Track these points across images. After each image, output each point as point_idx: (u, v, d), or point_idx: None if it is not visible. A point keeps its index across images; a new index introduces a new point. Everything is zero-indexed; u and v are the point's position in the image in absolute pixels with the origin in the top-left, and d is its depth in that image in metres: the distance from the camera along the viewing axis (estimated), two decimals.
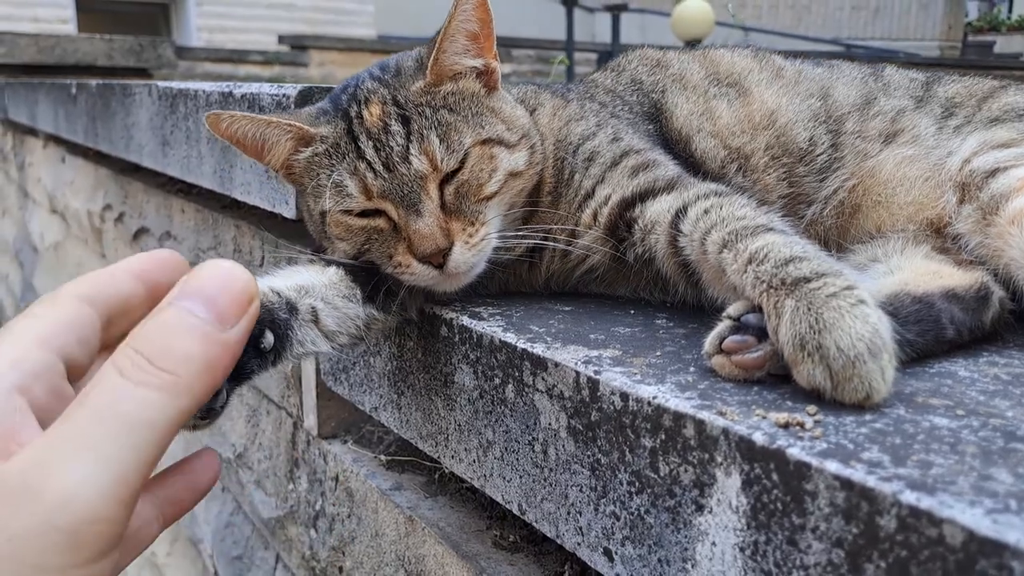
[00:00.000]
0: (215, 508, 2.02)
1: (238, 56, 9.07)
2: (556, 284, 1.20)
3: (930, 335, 0.92)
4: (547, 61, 9.55)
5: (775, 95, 1.25)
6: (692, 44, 8.70)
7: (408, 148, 1.04)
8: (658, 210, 1.06)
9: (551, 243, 1.12)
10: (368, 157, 1.06)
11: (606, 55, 9.47)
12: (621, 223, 1.10)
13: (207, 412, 0.93)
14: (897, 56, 12.59)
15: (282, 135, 1.11)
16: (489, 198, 1.08)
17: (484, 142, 1.08)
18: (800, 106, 1.24)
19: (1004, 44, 15.38)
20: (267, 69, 9.16)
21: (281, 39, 10.34)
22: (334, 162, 1.08)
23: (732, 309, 0.87)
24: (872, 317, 0.75)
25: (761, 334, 0.84)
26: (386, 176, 1.05)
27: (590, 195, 1.13)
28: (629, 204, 1.09)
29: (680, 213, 1.01)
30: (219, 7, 11.21)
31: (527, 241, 1.12)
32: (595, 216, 1.11)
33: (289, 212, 1.40)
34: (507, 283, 1.21)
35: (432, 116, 1.07)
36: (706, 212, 0.97)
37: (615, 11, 8.67)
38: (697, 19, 8.68)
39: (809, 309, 0.77)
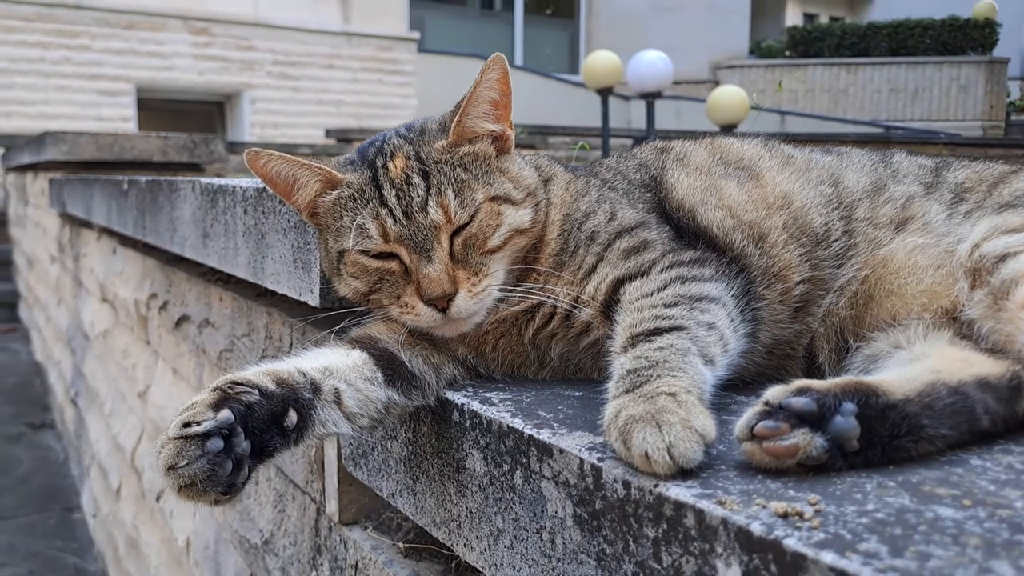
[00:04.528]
0: None
1: (287, 149, 9.44)
2: (562, 355, 1.23)
3: (964, 427, 0.90)
4: (583, 148, 9.74)
5: (787, 180, 1.27)
6: (728, 129, 8.79)
7: (427, 200, 1.16)
8: (628, 296, 1.13)
9: (553, 300, 1.18)
10: (390, 204, 1.17)
11: (640, 140, 9.62)
12: (612, 302, 1.16)
13: (229, 488, 0.96)
14: (938, 137, 12.54)
15: (312, 177, 1.23)
16: (493, 251, 1.18)
17: (493, 199, 1.19)
18: (812, 192, 1.25)
19: None
20: None
21: (328, 133, 10.82)
22: (358, 206, 1.19)
23: (770, 394, 0.86)
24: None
25: (797, 421, 0.82)
26: (404, 223, 1.16)
27: (593, 270, 1.20)
28: (620, 284, 1.17)
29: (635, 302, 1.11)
30: (271, 104, 11.80)
31: (533, 296, 1.19)
32: (596, 290, 1.18)
33: (314, 301, 1.45)
34: (512, 349, 1.23)
35: (450, 173, 1.18)
36: (637, 310, 1.08)
37: (649, 98, 8.85)
38: (734, 104, 8.76)
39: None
